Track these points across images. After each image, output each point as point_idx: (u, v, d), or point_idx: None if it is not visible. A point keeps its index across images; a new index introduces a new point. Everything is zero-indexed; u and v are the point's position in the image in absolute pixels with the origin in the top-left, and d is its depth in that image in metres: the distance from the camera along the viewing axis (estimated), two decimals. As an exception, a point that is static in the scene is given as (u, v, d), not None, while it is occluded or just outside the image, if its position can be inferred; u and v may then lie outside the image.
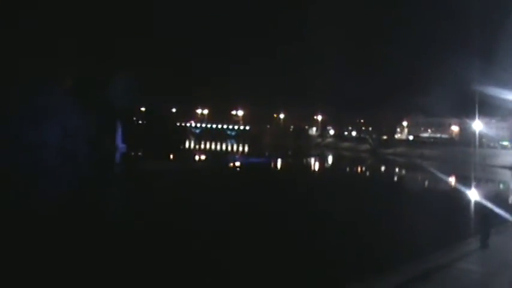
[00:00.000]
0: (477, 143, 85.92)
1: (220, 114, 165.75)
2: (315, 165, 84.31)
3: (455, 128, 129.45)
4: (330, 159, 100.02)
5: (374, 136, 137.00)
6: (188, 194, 33.47)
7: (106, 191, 32.31)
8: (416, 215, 26.78)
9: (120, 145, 75.31)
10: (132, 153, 72.41)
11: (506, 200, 40.20)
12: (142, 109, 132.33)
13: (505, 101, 77.79)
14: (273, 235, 21.69)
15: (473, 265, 15.56)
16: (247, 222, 24.42)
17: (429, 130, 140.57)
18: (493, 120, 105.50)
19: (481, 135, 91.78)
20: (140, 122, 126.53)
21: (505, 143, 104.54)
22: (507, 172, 72.40)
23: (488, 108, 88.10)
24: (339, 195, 36.12)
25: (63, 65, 77.56)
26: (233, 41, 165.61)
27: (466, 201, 31.75)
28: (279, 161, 79.31)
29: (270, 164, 73.44)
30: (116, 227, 22.04)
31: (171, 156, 74.26)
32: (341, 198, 34.43)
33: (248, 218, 25.68)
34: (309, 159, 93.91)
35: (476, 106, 77.65)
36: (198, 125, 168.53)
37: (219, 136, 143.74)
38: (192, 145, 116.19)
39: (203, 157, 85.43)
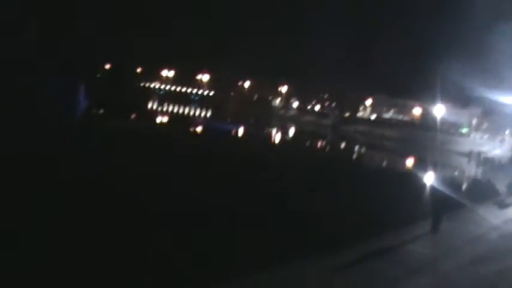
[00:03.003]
0: (437, 127, 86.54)
1: (186, 77, 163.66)
2: (273, 136, 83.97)
3: (417, 111, 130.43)
4: (290, 131, 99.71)
5: (336, 112, 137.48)
6: (132, 154, 32.60)
7: (52, 145, 31.18)
8: (368, 197, 26.47)
9: (82, 101, 73.83)
10: (93, 110, 71.18)
11: (460, 186, 40.42)
12: (107, 67, 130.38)
13: (467, 89, 78.56)
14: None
15: (423, 247, 15.91)
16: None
17: (392, 111, 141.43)
18: (454, 107, 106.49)
19: (441, 121, 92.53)
20: (103, 79, 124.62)
21: (464, 130, 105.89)
22: (464, 159, 73.07)
23: (451, 95, 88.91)
24: (285, 169, 35.76)
25: (26, 14, 75.13)
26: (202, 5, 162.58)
27: (419, 185, 31.58)
28: (238, 130, 78.59)
29: (226, 132, 72.72)
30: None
31: (131, 116, 73.20)
32: (289, 172, 34.11)
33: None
34: (269, 130, 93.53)
35: (438, 91, 78.06)
36: (162, 86, 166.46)
37: (182, 100, 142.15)
38: (155, 106, 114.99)
39: (163, 119, 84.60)
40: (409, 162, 64.73)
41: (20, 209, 16.37)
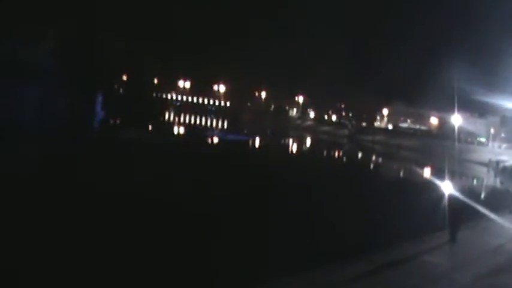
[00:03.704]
0: (455, 137, 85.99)
1: (202, 88, 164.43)
2: (290, 146, 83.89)
3: (434, 121, 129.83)
4: (307, 142, 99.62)
5: (353, 122, 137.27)
6: (144, 164, 32.81)
7: (69, 155, 31.52)
8: (385, 206, 26.35)
9: (99, 112, 74.21)
10: (110, 121, 71.49)
11: (479, 196, 40.09)
12: (124, 78, 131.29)
13: (484, 98, 78.17)
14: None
15: (440, 258, 15.63)
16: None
17: (408, 120, 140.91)
18: (472, 116, 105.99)
19: (459, 130, 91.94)
20: (121, 90, 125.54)
21: (482, 140, 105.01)
22: (482, 168, 72.54)
23: (468, 104, 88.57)
24: (302, 177, 35.73)
25: (46, 26, 75.85)
26: (218, 16, 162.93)
27: (438, 194, 31.38)
28: (255, 140, 78.59)
29: (244, 142, 72.68)
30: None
31: (148, 127, 73.49)
32: (308, 183, 34.07)
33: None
34: (286, 140, 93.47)
35: (456, 101, 77.74)
36: (179, 97, 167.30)
37: (199, 110, 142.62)
38: (171, 117, 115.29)
39: (179, 130, 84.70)
40: (427, 171, 64.34)
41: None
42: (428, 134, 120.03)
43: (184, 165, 34.86)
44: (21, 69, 61.42)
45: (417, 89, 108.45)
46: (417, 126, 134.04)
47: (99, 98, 75.30)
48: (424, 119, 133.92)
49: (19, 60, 62.18)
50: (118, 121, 73.54)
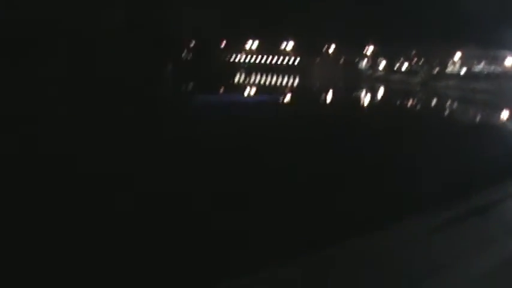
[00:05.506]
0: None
1: (270, 47, 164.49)
2: (366, 97, 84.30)
3: (509, 62, 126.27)
4: (381, 91, 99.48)
5: (425, 69, 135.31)
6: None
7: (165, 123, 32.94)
8: (464, 153, 26.58)
9: (171, 78, 75.79)
10: (183, 87, 73.01)
11: None
12: (192, 44, 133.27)
13: None
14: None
15: None
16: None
17: (482, 63, 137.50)
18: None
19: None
20: (190, 55, 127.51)
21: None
22: None
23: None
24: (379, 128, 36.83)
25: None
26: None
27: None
28: (329, 94, 79.48)
29: (319, 97, 73.50)
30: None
31: (221, 90, 74.61)
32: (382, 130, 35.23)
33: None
34: (359, 92, 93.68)
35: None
36: (247, 59, 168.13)
37: (269, 70, 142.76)
38: (242, 79, 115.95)
39: (253, 91, 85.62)
40: (505, 114, 63.64)
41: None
42: (504, 75, 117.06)
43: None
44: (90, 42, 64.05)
45: (490, 29, 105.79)
46: (491, 69, 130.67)
47: (170, 65, 77.30)
48: (499, 61, 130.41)
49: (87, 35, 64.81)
50: (190, 87, 74.84)
